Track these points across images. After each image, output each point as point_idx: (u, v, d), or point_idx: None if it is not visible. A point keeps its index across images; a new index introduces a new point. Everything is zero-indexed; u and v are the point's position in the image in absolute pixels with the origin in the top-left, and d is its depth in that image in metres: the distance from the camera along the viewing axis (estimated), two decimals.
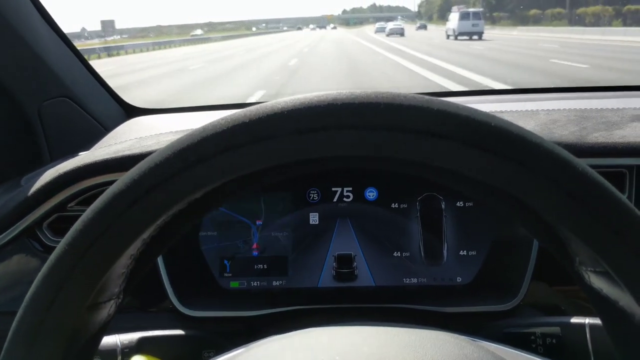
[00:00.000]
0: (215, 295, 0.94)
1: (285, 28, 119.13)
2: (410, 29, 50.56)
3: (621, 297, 0.34)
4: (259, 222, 0.95)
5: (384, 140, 0.33)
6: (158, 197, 0.34)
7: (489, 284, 0.92)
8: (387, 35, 39.22)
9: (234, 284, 0.95)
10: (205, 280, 0.95)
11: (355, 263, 0.94)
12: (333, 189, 0.95)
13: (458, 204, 0.93)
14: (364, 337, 0.48)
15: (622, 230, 0.32)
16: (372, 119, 0.33)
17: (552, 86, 1.58)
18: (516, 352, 0.55)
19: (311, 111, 0.33)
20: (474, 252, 0.93)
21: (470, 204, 0.93)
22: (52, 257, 0.36)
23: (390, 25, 47.97)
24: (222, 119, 0.35)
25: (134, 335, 0.77)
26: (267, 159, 0.34)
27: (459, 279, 0.94)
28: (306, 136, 0.33)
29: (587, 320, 0.74)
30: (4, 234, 0.89)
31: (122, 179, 0.35)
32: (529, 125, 0.95)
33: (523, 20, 50.71)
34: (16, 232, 0.89)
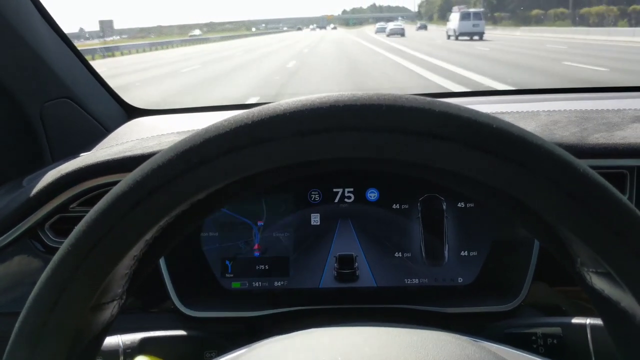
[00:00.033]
0: (217, 295, 0.94)
1: (285, 28, 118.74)
2: (410, 29, 50.49)
3: (623, 298, 0.35)
4: (260, 223, 0.95)
5: (386, 142, 0.33)
6: (161, 198, 0.35)
7: (490, 285, 0.92)
8: (388, 35, 39.24)
9: (236, 285, 0.95)
10: (207, 280, 0.95)
11: (356, 264, 0.94)
12: (334, 189, 0.95)
13: (459, 204, 0.93)
14: (366, 338, 0.49)
15: (622, 231, 0.32)
16: (374, 121, 0.33)
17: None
18: (517, 352, 0.55)
19: (313, 113, 0.34)
20: (475, 253, 0.93)
21: (472, 204, 0.93)
22: (56, 258, 0.36)
23: (390, 25, 47.93)
24: (224, 120, 0.35)
25: (136, 336, 0.78)
26: (270, 160, 0.34)
27: (460, 280, 0.94)
28: (308, 138, 0.33)
29: (588, 321, 0.74)
30: (5, 234, 0.89)
31: (124, 181, 0.35)
32: (529, 126, 0.95)
33: (525, 21, 50.63)
34: (18, 233, 0.89)
